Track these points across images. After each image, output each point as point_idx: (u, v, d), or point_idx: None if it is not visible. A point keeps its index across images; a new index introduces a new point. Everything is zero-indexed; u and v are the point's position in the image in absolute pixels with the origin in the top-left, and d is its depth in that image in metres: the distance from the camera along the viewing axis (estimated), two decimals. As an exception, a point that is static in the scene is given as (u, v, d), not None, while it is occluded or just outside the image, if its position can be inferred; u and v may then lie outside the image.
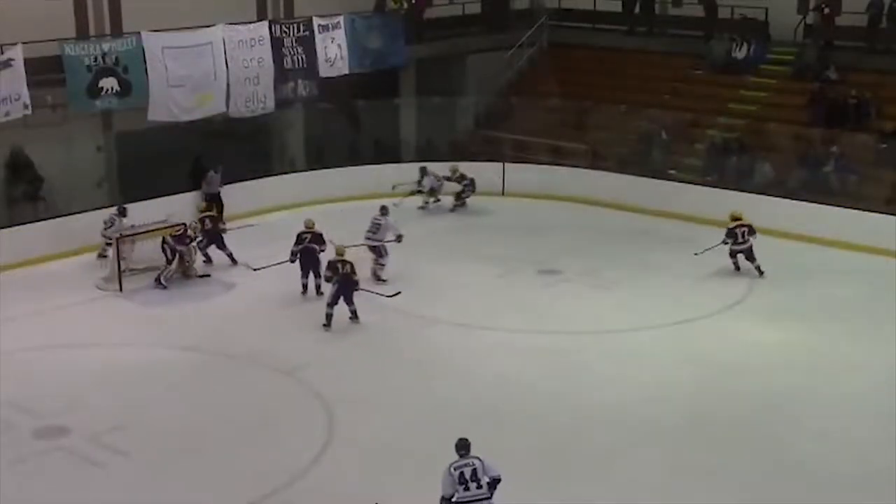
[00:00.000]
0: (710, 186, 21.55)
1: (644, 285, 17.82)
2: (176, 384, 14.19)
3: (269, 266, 17.41)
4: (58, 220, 19.24)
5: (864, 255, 18.96)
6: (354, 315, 16.00)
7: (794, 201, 20.43)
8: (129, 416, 13.22)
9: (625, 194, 22.01)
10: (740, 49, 24.28)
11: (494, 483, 10.02)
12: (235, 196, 21.02)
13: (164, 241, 17.64)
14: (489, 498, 9.96)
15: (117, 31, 20.69)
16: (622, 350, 15.29)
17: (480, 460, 10.00)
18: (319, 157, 23.97)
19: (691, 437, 12.77)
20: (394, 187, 21.84)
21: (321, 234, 17.22)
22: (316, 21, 21.64)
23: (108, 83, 18.98)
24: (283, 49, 21.17)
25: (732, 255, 18.17)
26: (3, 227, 18.56)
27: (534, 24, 26.82)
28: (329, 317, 15.86)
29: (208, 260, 18.64)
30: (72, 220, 19.17)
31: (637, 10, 26.16)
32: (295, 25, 21.49)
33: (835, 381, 14.28)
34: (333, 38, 21.92)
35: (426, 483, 10.25)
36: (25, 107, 17.99)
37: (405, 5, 23.76)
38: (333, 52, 21.93)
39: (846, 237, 19.42)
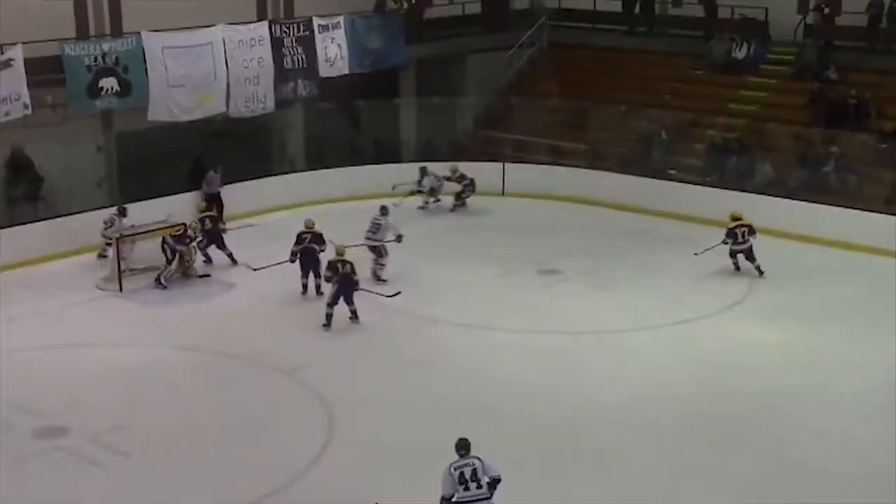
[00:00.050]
0: (710, 186, 21.54)
1: (644, 285, 17.83)
2: (176, 384, 14.19)
3: (269, 266, 17.41)
4: (58, 220, 19.25)
5: (864, 255, 18.96)
6: (354, 315, 16.00)
7: (794, 201, 20.43)
8: (129, 416, 13.22)
9: (625, 194, 22.00)
10: (740, 49, 24.28)
11: (494, 483, 10.01)
12: (235, 196, 21.03)
13: (164, 241, 17.65)
14: (489, 498, 9.95)
15: (117, 31, 20.70)
16: (622, 350, 15.29)
17: (480, 460, 10.00)
18: (319, 157, 23.96)
19: (691, 437, 12.77)
20: (394, 187, 21.84)
21: (321, 234, 17.22)
22: (316, 21, 21.65)
23: (108, 83, 19.00)
24: (283, 49, 21.18)
25: (732, 255, 18.17)
26: (3, 227, 18.56)
27: (534, 24, 26.82)
28: (329, 317, 15.86)
29: (208, 260, 18.64)
30: (72, 220, 19.17)
31: (637, 10, 26.16)
32: (295, 25, 21.49)
33: (835, 381, 14.28)
34: (333, 38, 21.93)
35: (426, 483, 10.25)
36: (25, 107, 18.00)
37: (405, 5, 23.77)
38: (333, 52, 21.94)
39: (846, 237, 19.42)
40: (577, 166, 23.14)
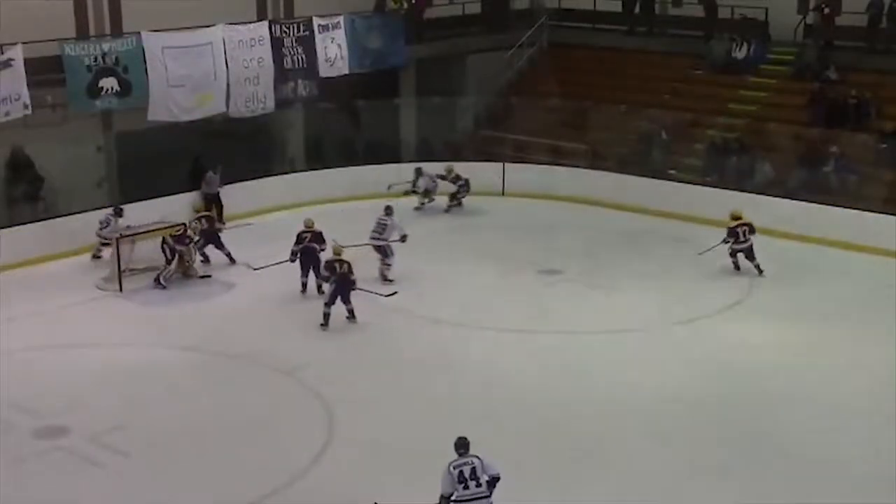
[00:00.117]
0: (710, 186, 21.54)
1: (644, 285, 17.82)
2: (176, 384, 14.18)
3: (270, 266, 17.42)
4: (58, 220, 19.25)
5: (864, 255, 18.96)
6: (351, 314, 16.01)
7: (794, 201, 20.43)
8: (129, 416, 13.22)
9: (625, 194, 22.01)
10: (740, 49, 24.28)
11: (494, 481, 10.01)
12: (235, 196, 21.04)
13: (163, 241, 17.65)
14: (488, 496, 9.95)
15: (117, 31, 20.70)
16: (622, 350, 15.29)
17: (480, 459, 9.99)
18: (319, 157, 23.97)
19: (691, 437, 12.76)
20: (389, 187, 21.85)
21: (321, 233, 17.23)
22: (316, 21, 21.65)
23: (108, 83, 19.00)
24: (283, 49, 21.18)
25: (733, 254, 18.18)
26: (3, 227, 18.56)
27: (534, 24, 26.83)
28: (326, 316, 15.87)
29: (206, 259, 18.64)
30: (72, 221, 19.17)
31: (637, 10, 26.16)
32: (295, 25, 21.49)
33: (835, 381, 14.28)
34: (333, 38, 21.93)
35: (426, 483, 10.24)
36: (25, 107, 17.99)
37: (405, 5, 23.77)
38: (333, 52, 21.94)
39: (846, 237, 19.43)
40: (577, 166, 23.14)
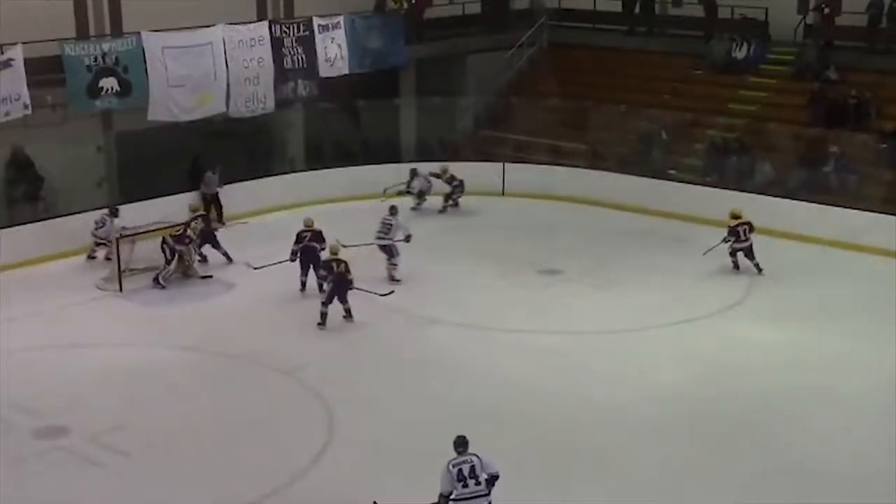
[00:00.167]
0: (710, 186, 21.53)
1: (644, 285, 17.82)
2: (176, 384, 14.19)
3: (270, 265, 17.42)
4: (58, 220, 19.26)
5: (864, 255, 18.96)
6: (348, 314, 16.02)
7: (794, 201, 20.43)
8: (129, 416, 13.22)
9: (625, 194, 22.00)
10: (740, 49, 24.28)
11: (493, 480, 10.01)
12: (235, 196, 21.05)
13: (163, 241, 17.65)
14: (487, 495, 9.96)
15: (117, 31, 20.70)
16: (622, 350, 15.29)
17: (479, 457, 9.99)
18: (319, 157, 23.97)
19: (691, 437, 12.76)
20: (384, 191, 21.85)
21: (321, 232, 17.25)
22: (316, 21, 21.64)
23: (108, 83, 18.99)
24: (283, 49, 21.17)
25: (732, 253, 18.19)
26: (3, 227, 18.56)
27: (534, 24, 26.82)
28: (324, 315, 15.88)
29: (203, 259, 18.63)
30: (72, 220, 19.16)
31: (637, 10, 26.15)
32: (295, 25, 21.48)
33: (835, 381, 14.27)
34: (333, 38, 21.92)
35: (426, 483, 10.24)
36: (25, 107, 17.99)
37: (405, 5, 23.79)
38: (333, 52, 21.93)
39: (846, 237, 19.43)
40: (577, 166, 23.13)
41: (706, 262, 18.23)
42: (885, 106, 21.69)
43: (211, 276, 18.17)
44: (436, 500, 9.96)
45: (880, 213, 19.59)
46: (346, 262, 15.93)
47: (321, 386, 13.92)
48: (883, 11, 23.09)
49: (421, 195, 22.15)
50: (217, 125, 21.15)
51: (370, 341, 15.69)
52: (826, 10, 23.55)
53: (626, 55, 25.59)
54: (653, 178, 22.29)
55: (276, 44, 21.04)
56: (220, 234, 18.99)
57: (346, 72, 22.23)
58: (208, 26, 20.18)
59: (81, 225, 18.90)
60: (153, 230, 17.83)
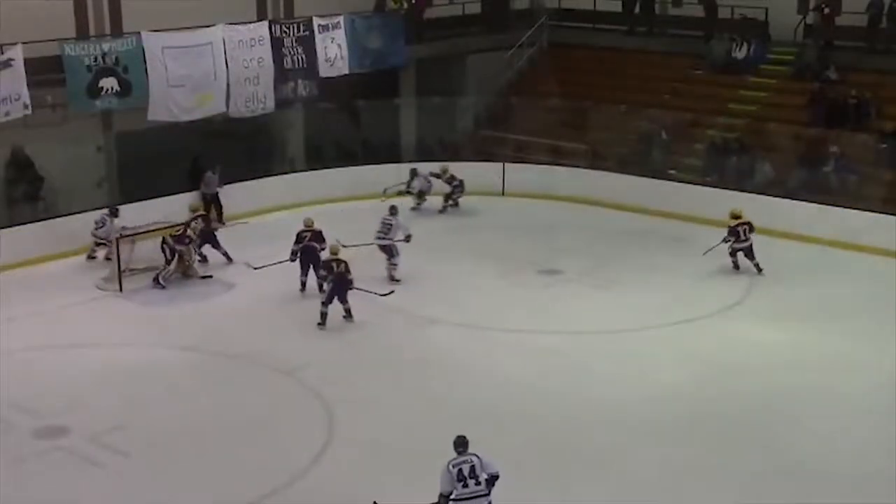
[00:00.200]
0: (710, 186, 21.53)
1: (644, 285, 17.82)
2: (176, 384, 14.19)
3: (270, 265, 17.42)
4: (58, 220, 19.25)
5: (864, 255, 18.97)
6: (348, 314, 16.03)
7: (794, 201, 20.43)
8: (129, 416, 13.22)
9: (625, 194, 22.00)
10: (740, 49, 24.28)
11: (493, 480, 10.01)
12: (235, 196, 21.05)
13: (163, 241, 17.65)
14: (487, 495, 9.96)
15: (117, 31, 20.70)
16: (622, 350, 15.29)
17: (478, 457, 9.99)
18: (319, 157, 23.97)
19: (691, 437, 12.76)
20: (384, 191, 21.85)
21: (321, 232, 17.26)
22: (316, 21, 21.64)
23: (108, 83, 18.99)
24: (283, 49, 21.17)
25: (733, 253, 18.19)
26: (3, 227, 18.56)
27: (534, 24, 26.82)
28: (324, 315, 15.88)
29: (203, 259, 18.63)
30: (72, 220, 19.16)
31: (637, 10, 26.16)
32: (295, 25, 21.48)
33: (835, 381, 14.27)
34: (333, 38, 21.91)
35: (426, 483, 10.24)
36: (25, 107, 17.99)
37: (405, 5, 23.79)
38: (333, 52, 21.92)
39: (846, 237, 19.43)
40: (577, 166, 23.13)
41: (706, 262, 18.23)
42: (885, 106, 21.69)
43: (211, 276, 18.17)
44: (436, 500, 9.96)
45: (880, 213, 19.59)
46: (346, 262, 15.94)
47: (321, 386, 13.92)
48: (883, 11, 23.09)
49: (421, 195, 22.16)
50: (217, 125, 21.15)
51: (370, 341, 15.69)
52: (826, 10, 23.55)
53: (626, 55, 25.59)
54: (653, 178, 22.29)
55: (276, 44, 21.04)
56: (220, 234, 18.99)
57: (346, 72, 22.22)
58: (208, 26, 20.18)
59: (81, 225, 18.90)
60: (153, 230, 17.82)
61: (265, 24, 21.25)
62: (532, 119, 24.28)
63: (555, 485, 11.60)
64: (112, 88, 19.05)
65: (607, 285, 17.80)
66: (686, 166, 22.65)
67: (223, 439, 12.71)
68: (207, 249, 18.61)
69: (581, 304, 17.12)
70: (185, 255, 17.94)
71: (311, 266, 17.10)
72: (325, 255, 16.67)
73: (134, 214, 18.51)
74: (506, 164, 23.30)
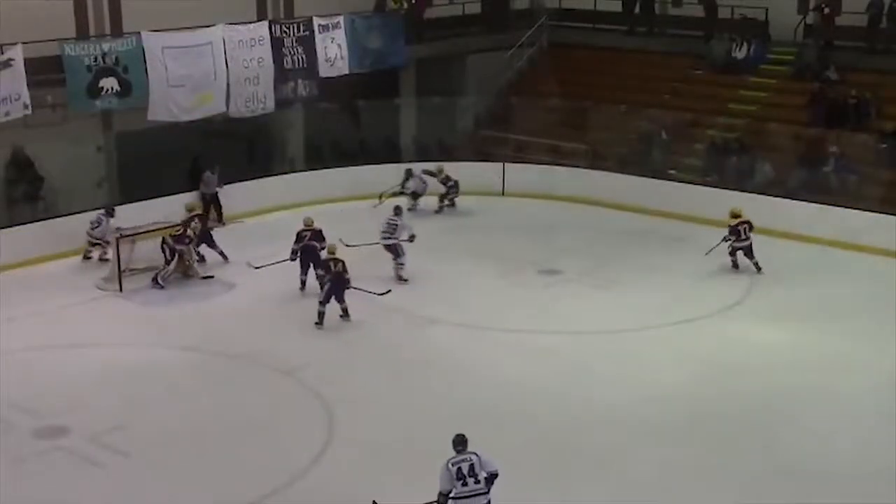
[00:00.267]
0: (710, 186, 21.54)
1: (644, 285, 17.82)
2: (176, 384, 14.19)
3: (270, 265, 17.42)
4: (58, 220, 19.25)
5: (864, 255, 18.97)
6: (345, 313, 16.04)
7: (794, 201, 20.43)
8: (129, 416, 13.22)
9: (625, 194, 22.00)
10: (740, 49, 24.29)
11: (492, 478, 10.01)
12: (235, 196, 21.06)
13: (163, 241, 17.65)
14: (487, 493, 9.96)
15: (117, 31, 20.70)
16: (622, 350, 15.29)
17: (478, 455, 10.00)
18: (319, 157, 23.97)
19: (691, 437, 12.76)
20: (380, 196, 21.84)
21: (321, 231, 17.27)
22: (316, 21, 21.64)
23: (108, 83, 18.99)
24: (283, 49, 21.17)
25: (732, 252, 18.20)
26: (2, 227, 18.56)
27: (534, 24, 26.82)
28: (321, 315, 15.89)
29: (201, 259, 18.63)
30: (72, 220, 19.13)
31: (637, 10, 26.16)
32: (295, 25, 21.48)
33: (835, 381, 14.27)
34: (333, 38, 21.92)
35: (426, 483, 10.24)
36: (25, 107, 17.99)
37: (405, 5, 23.79)
38: (333, 52, 21.93)
39: (846, 237, 19.43)
40: (577, 166, 23.14)
41: (706, 262, 18.24)
42: (885, 106, 21.69)
43: (212, 277, 18.17)
44: (435, 499, 9.97)
45: (880, 213, 19.59)
46: (343, 262, 15.94)
47: (321, 386, 13.92)
48: (883, 11, 23.10)
49: (415, 196, 22.13)
50: (217, 125, 21.15)
51: (370, 341, 15.69)
52: (826, 10, 23.56)
53: (626, 55, 25.59)
54: (653, 178, 22.29)
55: (276, 44, 21.04)
56: (217, 234, 18.98)
57: (346, 72, 22.22)
58: (208, 26, 20.18)
59: (81, 225, 18.87)
60: (153, 230, 17.82)
61: (265, 24, 21.25)
62: (532, 119, 24.29)
63: (555, 485, 11.60)
64: (112, 88, 19.05)
65: (607, 285, 17.80)
66: (686, 166, 22.65)
67: (223, 439, 12.71)
68: (204, 248, 18.60)
69: (581, 304, 17.12)
70: (186, 255, 17.93)
71: (312, 265, 17.11)
72: (324, 254, 16.68)
73: (134, 214, 18.51)
74: (506, 164, 23.29)
